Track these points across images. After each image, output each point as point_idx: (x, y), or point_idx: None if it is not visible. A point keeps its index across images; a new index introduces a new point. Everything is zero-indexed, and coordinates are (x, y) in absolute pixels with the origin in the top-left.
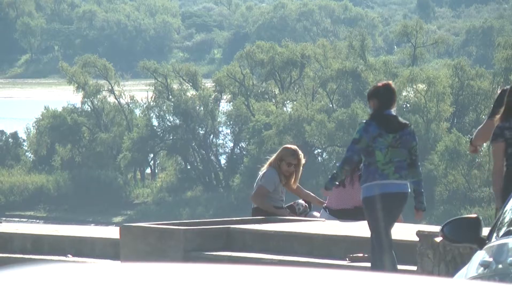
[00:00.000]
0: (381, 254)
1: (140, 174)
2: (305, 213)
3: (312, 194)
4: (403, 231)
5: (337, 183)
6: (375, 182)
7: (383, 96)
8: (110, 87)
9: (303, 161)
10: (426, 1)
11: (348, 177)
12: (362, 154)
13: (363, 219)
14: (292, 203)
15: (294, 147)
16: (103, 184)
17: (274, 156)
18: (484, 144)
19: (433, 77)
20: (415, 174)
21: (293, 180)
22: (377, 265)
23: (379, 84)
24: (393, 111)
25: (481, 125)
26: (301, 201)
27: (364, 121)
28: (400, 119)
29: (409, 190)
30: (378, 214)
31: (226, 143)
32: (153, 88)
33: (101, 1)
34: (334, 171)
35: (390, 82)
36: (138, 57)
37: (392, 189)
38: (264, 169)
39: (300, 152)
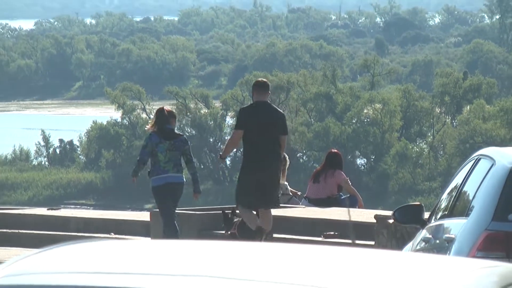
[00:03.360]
0: (167, 226)
1: None
2: (288, 197)
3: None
4: (364, 215)
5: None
6: (159, 176)
7: (159, 116)
8: (142, 106)
9: (288, 162)
10: (382, 41)
11: (322, 175)
12: (149, 155)
13: (334, 206)
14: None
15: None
16: (137, 179)
17: None
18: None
19: (387, 99)
20: (191, 168)
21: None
22: (167, 234)
23: (162, 107)
24: (173, 126)
25: None
26: (287, 186)
27: (150, 132)
28: (176, 131)
29: (184, 180)
30: (162, 198)
31: None
32: (175, 107)
33: (135, 41)
34: (134, 167)
35: (163, 107)
36: (163, 84)
37: (172, 180)
38: None
39: (287, 156)
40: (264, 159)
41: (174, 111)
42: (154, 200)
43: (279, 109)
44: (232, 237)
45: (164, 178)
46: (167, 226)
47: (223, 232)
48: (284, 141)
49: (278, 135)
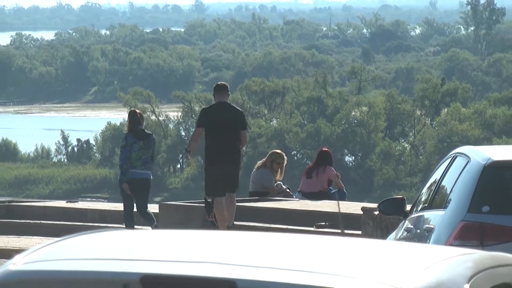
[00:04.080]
0: (129, 222)
1: (173, 168)
2: (283, 193)
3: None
4: (352, 207)
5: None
6: (131, 171)
7: (132, 118)
8: (152, 109)
9: (286, 160)
10: (368, 50)
11: (314, 171)
12: (126, 154)
13: (325, 199)
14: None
15: (280, 152)
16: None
17: (266, 158)
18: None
19: (372, 102)
20: (153, 166)
21: (279, 174)
22: (126, 225)
23: (134, 109)
24: (143, 125)
25: None
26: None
27: (125, 133)
28: (146, 131)
29: (151, 176)
30: (128, 191)
31: None
32: (181, 110)
33: (146, 50)
34: (121, 166)
35: (135, 109)
36: (171, 88)
37: (138, 176)
38: (259, 165)
39: (284, 155)
40: (224, 153)
41: (142, 113)
42: (121, 191)
43: (238, 108)
44: (211, 224)
45: (132, 173)
46: (126, 217)
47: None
48: (244, 135)
49: (238, 130)
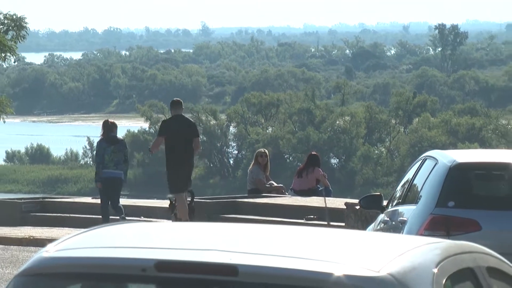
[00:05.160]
0: (105, 216)
1: None
2: (276, 190)
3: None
4: (336, 203)
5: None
6: (104, 170)
7: (104, 126)
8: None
9: (268, 156)
10: (350, 68)
11: (304, 172)
12: (100, 157)
13: (314, 196)
14: (270, 182)
15: (264, 150)
16: (161, 174)
17: (254, 157)
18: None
19: (354, 113)
20: (125, 166)
21: (267, 169)
22: (103, 217)
23: (107, 119)
24: (115, 133)
25: None
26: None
27: (99, 139)
28: (118, 137)
29: (123, 175)
30: (102, 189)
31: (233, 151)
32: (190, 119)
33: (160, 68)
34: (96, 173)
35: (107, 119)
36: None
37: (111, 175)
38: (250, 166)
39: (267, 152)
40: (180, 157)
41: (115, 122)
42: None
43: (190, 120)
44: (176, 217)
45: (105, 173)
46: (101, 210)
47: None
48: (197, 141)
49: (192, 138)
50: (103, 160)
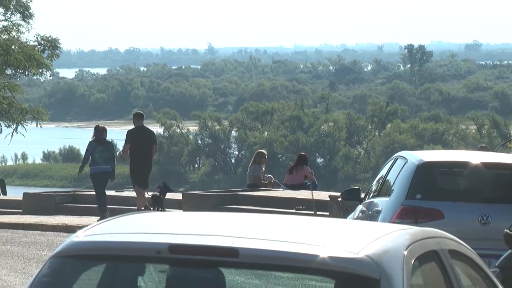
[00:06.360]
0: (100, 203)
1: (192, 167)
2: (271, 185)
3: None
4: (322, 195)
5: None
6: (93, 167)
7: (95, 130)
8: (177, 124)
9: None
10: (333, 82)
11: (295, 169)
12: (90, 155)
13: (302, 189)
14: (268, 176)
15: (264, 151)
16: (173, 172)
17: (254, 157)
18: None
19: (337, 119)
20: (112, 163)
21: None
22: (99, 206)
23: (98, 124)
24: (105, 136)
25: None
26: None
27: (90, 140)
28: (106, 139)
29: (110, 170)
30: (95, 181)
31: (234, 152)
32: (198, 125)
33: (172, 81)
34: (81, 164)
35: (98, 124)
36: (191, 109)
37: (101, 170)
38: (250, 164)
39: (265, 152)
40: (141, 159)
41: (105, 126)
42: (91, 182)
43: (151, 129)
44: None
45: (96, 168)
46: (98, 200)
47: (152, 208)
48: (155, 147)
49: (151, 145)
50: (89, 157)
